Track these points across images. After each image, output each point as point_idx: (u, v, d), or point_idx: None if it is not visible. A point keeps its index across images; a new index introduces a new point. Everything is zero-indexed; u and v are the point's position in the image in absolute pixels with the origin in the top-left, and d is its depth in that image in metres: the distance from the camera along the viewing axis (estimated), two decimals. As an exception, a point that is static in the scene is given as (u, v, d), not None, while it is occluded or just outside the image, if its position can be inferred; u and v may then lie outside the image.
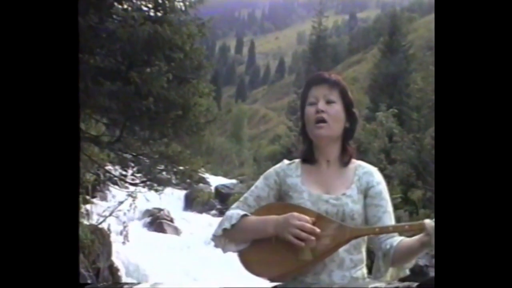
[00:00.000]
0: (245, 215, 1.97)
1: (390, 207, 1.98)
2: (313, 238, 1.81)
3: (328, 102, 2.00)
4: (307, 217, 1.83)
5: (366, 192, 1.99)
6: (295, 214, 1.85)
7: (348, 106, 2.04)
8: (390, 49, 26.64)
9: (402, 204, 10.95)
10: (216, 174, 27.84)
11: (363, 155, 11.28)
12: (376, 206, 1.96)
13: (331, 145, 2.03)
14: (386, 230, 1.86)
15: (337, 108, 2.00)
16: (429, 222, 1.71)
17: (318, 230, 1.82)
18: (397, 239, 1.87)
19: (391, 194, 2.05)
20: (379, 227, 1.88)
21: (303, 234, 1.80)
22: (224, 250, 2.01)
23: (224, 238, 1.98)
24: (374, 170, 2.06)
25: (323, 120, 1.98)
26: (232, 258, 2.02)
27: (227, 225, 1.96)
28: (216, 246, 2.02)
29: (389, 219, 1.94)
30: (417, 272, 6.48)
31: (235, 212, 2.00)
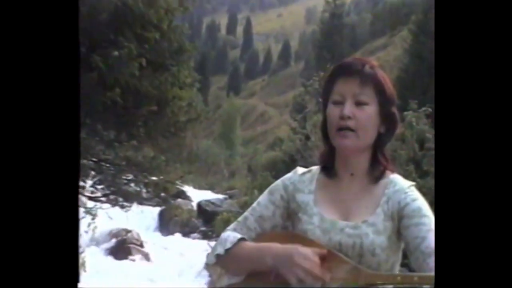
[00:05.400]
0: (243, 239, 1.95)
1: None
2: (319, 286, 1.77)
3: (359, 103, 1.92)
4: (316, 258, 1.79)
5: (399, 214, 1.91)
6: (303, 250, 1.80)
7: (385, 106, 1.96)
8: (424, 31, 26.44)
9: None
10: (199, 187, 27.95)
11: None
12: (416, 225, 1.87)
13: (358, 155, 1.99)
14: (410, 280, 1.75)
15: (370, 111, 1.93)
16: None
17: (328, 277, 1.78)
18: None
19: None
20: (401, 275, 1.79)
21: (308, 280, 1.76)
22: (218, 283, 1.98)
23: (219, 266, 1.98)
24: (407, 186, 1.98)
25: (348, 128, 1.91)
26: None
27: (220, 250, 1.94)
28: (211, 277, 2.01)
29: None
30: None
31: (231, 234, 1.99)
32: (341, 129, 1.91)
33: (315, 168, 2.07)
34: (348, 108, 1.90)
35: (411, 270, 1.93)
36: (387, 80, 1.98)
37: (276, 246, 1.86)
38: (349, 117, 1.89)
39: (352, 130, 1.90)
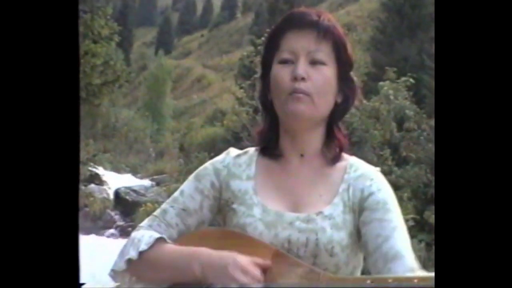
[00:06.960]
0: (161, 238, 1.95)
1: (402, 223, 1.95)
2: None
3: (314, 62, 1.95)
4: (256, 271, 1.80)
5: (361, 205, 1.97)
6: (241, 260, 1.80)
7: (344, 69, 2.02)
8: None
9: (416, 230, 11.06)
10: (118, 170, 28.01)
11: (355, 150, 11.38)
12: (380, 221, 1.92)
13: (309, 130, 2.02)
14: (384, 281, 1.74)
15: (327, 73, 1.97)
16: None
17: None
18: None
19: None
20: (372, 277, 1.80)
21: None
22: None
23: (130, 274, 1.96)
24: (373, 172, 2.05)
25: (303, 92, 1.92)
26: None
27: (132, 253, 1.93)
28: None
29: (403, 239, 1.89)
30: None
31: (146, 233, 1.98)
32: (293, 92, 1.94)
33: (252, 150, 2.11)
34: (302, 67, 1.94)
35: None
36: (347, 38, 2.05)
37: (207, 251, 1.87)
38: (303, 78, 1.93)
39: (306, 94, 1.94)
